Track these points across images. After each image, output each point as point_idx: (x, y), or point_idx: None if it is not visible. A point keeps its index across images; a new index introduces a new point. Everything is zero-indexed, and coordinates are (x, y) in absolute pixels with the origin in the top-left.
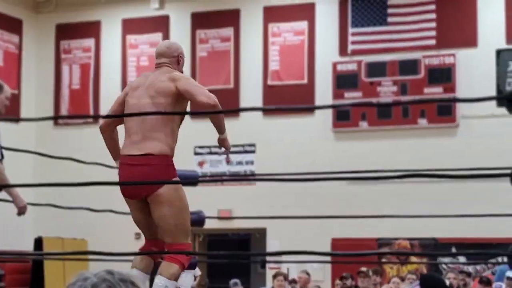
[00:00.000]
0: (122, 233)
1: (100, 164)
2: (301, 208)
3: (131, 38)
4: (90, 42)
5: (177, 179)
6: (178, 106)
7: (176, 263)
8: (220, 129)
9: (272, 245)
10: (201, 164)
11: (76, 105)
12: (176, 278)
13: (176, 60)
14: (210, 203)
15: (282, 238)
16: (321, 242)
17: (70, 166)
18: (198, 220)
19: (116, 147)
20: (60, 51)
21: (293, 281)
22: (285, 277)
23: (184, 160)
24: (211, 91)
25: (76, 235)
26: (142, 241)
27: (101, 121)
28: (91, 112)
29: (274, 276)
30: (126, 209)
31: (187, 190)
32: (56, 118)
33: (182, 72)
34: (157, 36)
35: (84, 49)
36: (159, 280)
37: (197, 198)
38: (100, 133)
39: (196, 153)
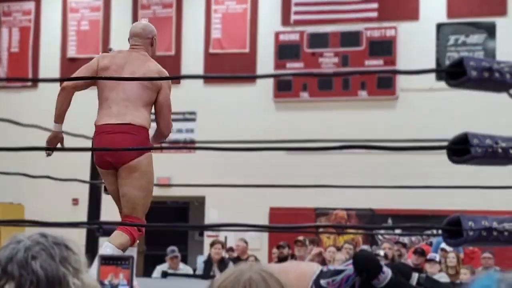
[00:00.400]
0: (60, 198)
1: (38, 127)
2: (240, 177)
3: (71, 2)
4: (30, 5)
5: (151, 154)
6: (152, 103)
7: (128, 234)
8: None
9: (210, 213)
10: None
11: (15, 69)
12: (124, 248)
13: (150, 42)
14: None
15: (221, 207)
16: (259, 211)
17: (7, 130)
18: None
19: (65, 111)
20: None
21: (231, 249)
22: (223, 245)
23: None
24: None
25: (13, 200)
26: (79, 207)
27: (70, 84)
28: (30, 76)
29: (212, 245)
30: (64, 175)
31: None
32: None
33: (155, 53)
34: (98, 1)
35: (24, 12)
36: (107, 246)
37: None
38: (40, 96)
39: None
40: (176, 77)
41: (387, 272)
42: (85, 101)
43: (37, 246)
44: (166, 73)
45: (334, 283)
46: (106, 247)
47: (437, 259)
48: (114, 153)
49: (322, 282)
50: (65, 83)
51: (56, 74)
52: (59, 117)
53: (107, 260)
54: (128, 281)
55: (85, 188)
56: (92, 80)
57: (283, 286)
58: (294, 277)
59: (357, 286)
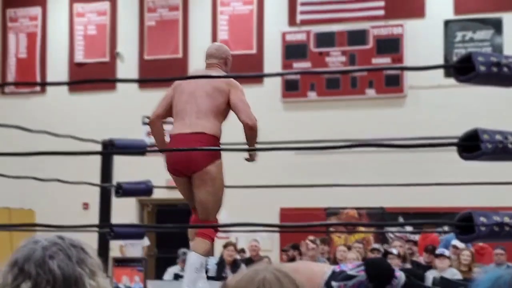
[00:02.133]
0: (70, 202)
1: (47, 132)
2: (249, 177)
3: (78, 7)
4: (36, 11)
5: (221, 162)
6: (225, 110)
7: (207, 238)
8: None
9: (221, 214)
10: (149, 134)
11: (23, 75)
12: (208, 254)
13: (224, 62)
14: (159, 173)
15: (231, 208)
16: (269, 211)
17: (17, 135)
18: (145, 189)
19: (164, 140)
20: (6, 19)
21: (242, 251)
22: (235, 247)
23: (132, 130)
24: (159, 60)
25: (24, 205)
26: (90, 211)
27: (152, 115)
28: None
29: (225, 246)
30: (73, 178)
31: (136, 160)
32: (2, 85)
33: (228, 72)
34: (105, 5)
35: (31, 17)
36: (195, 256)
37: (146, 168)
38: (48, 102)
39: (144, 123)
40: (183, 78)
41: (400, 277)
42: (93, 107)
43: (54, 247)
44: (233, 81)
45: (346, 287)
46: (192, 256)
47: (446, 253)
48: (186, 163)
49: (334, 284)
50: (151, 117)
51: (65, 79)
52: (161, 145)
53: (120, 262)
54: (144, 283)
55: (96, 191)
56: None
57: (298, 286)
58: (305, 276)
59: None
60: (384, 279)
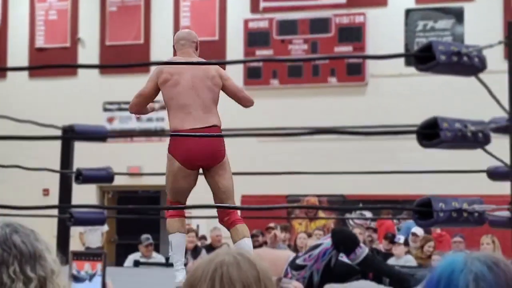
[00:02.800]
0: (31, 189)
1: (7, 117)
2: None
3: None
4: None
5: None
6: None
7: (244, 223)
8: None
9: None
10: (110, 120)
11: None
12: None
13: (195, 46)
14: (120, 160)
15: (192, 195)
16: None
17: None
18: (106, 176)
19: (148, 110)
20: None
21: (203, 238)
22: (196, 233)
23: (93, 116)
24: (120, 46)
25: None
26: (50, 198)
27: (131, 104)
28: None
29: None
30: (34, 164)
31: (96, 146)
32: None
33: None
34: None
35: None
36: (248, 241)
37: (106, 155)
38: (8, 87)
39: (105, 109)
40: (144, 64)
41: (364, 248)
42: (53, 93)
43: (9, 227)
44: (220, 69)
45: (310, 258)
46: (247, 242)
47: (401, 240)
48: (212, 155)
49: (298, 260)
50: (135, 108)
51: (25, 64)
52: (151, 110)
53: (79, 256)
54: (104, 273)
55: (56, 178)
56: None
57: (258, 269)
58: (269, 261)
59: (333, 262)
60: (349, 247)
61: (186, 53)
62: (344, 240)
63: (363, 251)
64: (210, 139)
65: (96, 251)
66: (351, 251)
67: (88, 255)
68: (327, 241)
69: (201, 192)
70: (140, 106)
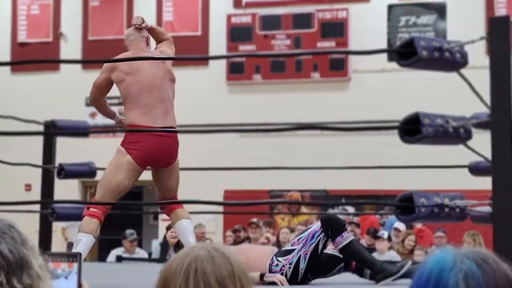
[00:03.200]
0: (12, 184)
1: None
2: (193, 160)
3: None
4: None
5: None
6: None
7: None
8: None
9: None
10: (93, 115)
11: None
12: None
13: (146, 41)
14: (102, 155)
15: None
16: (213, 194)
17: None
18: (88, 171)
19: (109, 109)
20: None
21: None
22: None
23: (75, 111)
24: (103, 41)
25: None
26: (32, 193)
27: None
28: None
29: (168, 228)
30: (16, 159)
31: (79, 142)
32: None
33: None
34: None
35: None
36: (187, 222)
37: (88, 150)
38: None
39: (87, 104)
40: (128, 59)
41: (350, 234)
42: (36, 88)
43: None
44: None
45: (299, 241)
46: (186, 223)
47: (385, 236)
48: (167, 156)
49: (286, 247)
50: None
51: (7, 59)
52: (109, 116)
53: (54, 257)
54: (79, 273)
55: (38, 173)
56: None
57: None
58: (255, 254)
59: (320, 249)
60: (336, 230)
61: (138, 48)
62: (331, 223)
63: (349, 236)
64: (169, 140)
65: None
66: (338, 234)
67: (64, 255)
68: (316, 225)
69: (182, 186)
70: (95, 97)
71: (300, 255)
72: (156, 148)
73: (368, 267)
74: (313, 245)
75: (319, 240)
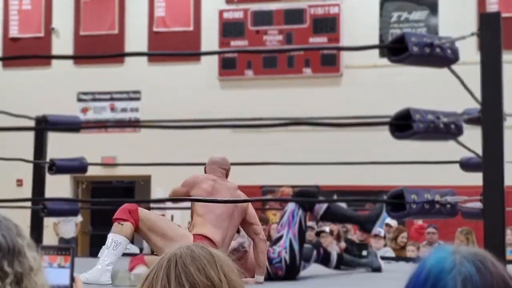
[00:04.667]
0: (4, 179)
1: None
2: (185, 155)
3: None
4: None
5: None
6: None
7: None
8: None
9: (156, 192)
10: (84, 110)
11: None
12: None
13: (225, 173)
14: (94, 150)
15: (167, 186)
16: None
17: None
18: (80, 166)
19: None
20: None
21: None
22: None
23: (66, 107)
24: (95, 36)
25: None
26: (24, 188)
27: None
28: None
29: None
30: (7, 154)
31: (70, 137)
32: None
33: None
34: None
35: None
36: None
37: (80, 145)
38: None
39: (79, 100)
40: (119, 55)
41: (323, 205)
42: (27, 83)
43: None
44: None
45: (283, 226)
46: None
47: (382, 234)
48: None
49: (275, 237)
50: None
51: None
52: None
53: (47, 250)
54: (72, 267)
55: (30, 168)
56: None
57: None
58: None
59: (304, 225)
60: (311, 203)
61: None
62: (305, 196)
63: (323, 204)
64: None
65: (65, 245)
66: (313, 205)
67: (56, 248)
68: (290, 205)
69: (173, 180)
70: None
71: (290, 237)
72: None
73: (355, 222)
74: (297, 224)
75: (300, 218)
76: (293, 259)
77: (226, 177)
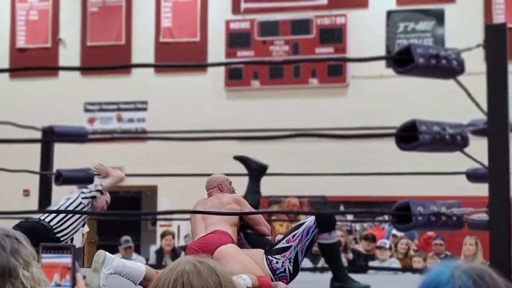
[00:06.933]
0: (11, 189)
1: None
2: (192, 166)
3: None
4: None
5: None
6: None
7: None
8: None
9: (163, 202)
10: (91, 121)
11: None
12: None
13: (218, 188)
14: (101, 160)
15: (173, 196)
16: None
17: None
18: (86, 177)
19: None
20: None
21: (187, 236)
22: (173, 236)
23: (73, 117)
24: (102, 47)
25: None
26: (30, 199)
27: None
28: None
29: (162, 236)
30: (14, 164)
31: (77, 146)
32: None
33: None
34: None
35: None
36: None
37: (87, 156)
38: None
39: (86, 110)
40: (126, 66)
41: (337, 236)
42: (34, 94)
43: None
44: (238, 199)
45: (294, 238)
46: None
47: (387, 245)
48: None
49: (280, 244)
50: None
51: (5, 65)
52: None
53: (48, 249)
54: (74, 266)
55: (36, 179)
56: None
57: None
58: (251, 255)
59: (315, 241)
60: (329, 227)
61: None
62: (326, 221)
63: (335, 237)
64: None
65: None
66: (328, 231)
67: (57, 248)
68: (309, 219)
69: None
70: None
71: (298, 250)
72: None
73: (335, 271)
74: (309, 241)
75: (314, 235)
76: (297, 269)
77: (221, 190)
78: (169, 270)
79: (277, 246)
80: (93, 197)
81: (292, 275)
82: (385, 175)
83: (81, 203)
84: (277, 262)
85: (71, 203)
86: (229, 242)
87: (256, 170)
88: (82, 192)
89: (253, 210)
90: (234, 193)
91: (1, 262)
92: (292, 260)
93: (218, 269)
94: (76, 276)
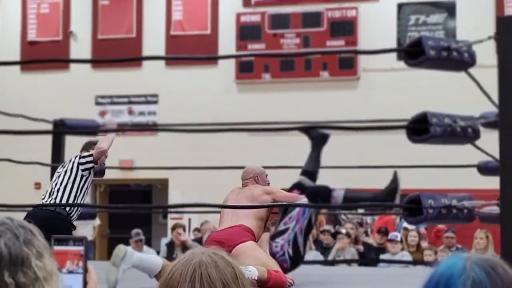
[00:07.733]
0: (22, 182)
1: (2, 113)
2: (202, 159)
3: None
4: None
5: None
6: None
7: None
8: None
9: (174, 195)
10: (102, 114)
11: None
12: None
13: (254, 179)
14: (112, 154)
15: (184, 189)
16: (222, 192)
17: None
18: (97, 170)
19: None
20: None
21: (197, 230)
22: (184, 228)
23: (84, 110)
24: (112, 40)
25: None
26: (42, 191)
27: None
28: None
29: (173, 228)
30: (25, 157)
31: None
32: None
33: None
34: None
35: None
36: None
37: None
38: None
39: (97, 103)
40: (137, 59)
41: (339, 190)
42: (45, 86)
43: (2, 226)
44: (269, 190)
45: (291, 219)
46: None
47: (398, 238)
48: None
49: (279, 228)
50: None
51: (17, 58)
52: None
53: (60, 241)
54: (86, 256)
55: (48, 171)
56: None
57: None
58: (259, 244)
59: (313, 220)
60: (324, 196)
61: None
62: (318, 194)
63: (339, 193)
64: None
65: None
66: (328, 199)
67: (70, 239)
68: (303, 200)
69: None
70: None
71: (296, 231)
72: None
73: (375, 201)
74: (306, 220)
75: (311, 214)
76: (297, 251)
77: (256, 182)
78: (184, 261)
79: (278, 229)
80: (92, 168)
81: (293, 259)
82: (396, 168)
83: (82, 176)
84: (276, 246)
85: (73, 178)
86: (249, 239)
87: (318, 139)
88: (80, 164)
89: (286, 196)
90: (269, 185)
91: (14, 250)
92: (291, 242)
93: (233, 262)
94: (88, 267)
